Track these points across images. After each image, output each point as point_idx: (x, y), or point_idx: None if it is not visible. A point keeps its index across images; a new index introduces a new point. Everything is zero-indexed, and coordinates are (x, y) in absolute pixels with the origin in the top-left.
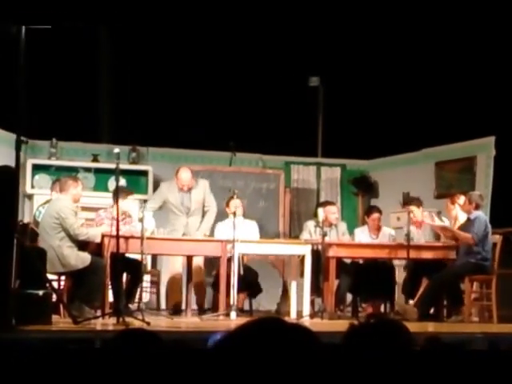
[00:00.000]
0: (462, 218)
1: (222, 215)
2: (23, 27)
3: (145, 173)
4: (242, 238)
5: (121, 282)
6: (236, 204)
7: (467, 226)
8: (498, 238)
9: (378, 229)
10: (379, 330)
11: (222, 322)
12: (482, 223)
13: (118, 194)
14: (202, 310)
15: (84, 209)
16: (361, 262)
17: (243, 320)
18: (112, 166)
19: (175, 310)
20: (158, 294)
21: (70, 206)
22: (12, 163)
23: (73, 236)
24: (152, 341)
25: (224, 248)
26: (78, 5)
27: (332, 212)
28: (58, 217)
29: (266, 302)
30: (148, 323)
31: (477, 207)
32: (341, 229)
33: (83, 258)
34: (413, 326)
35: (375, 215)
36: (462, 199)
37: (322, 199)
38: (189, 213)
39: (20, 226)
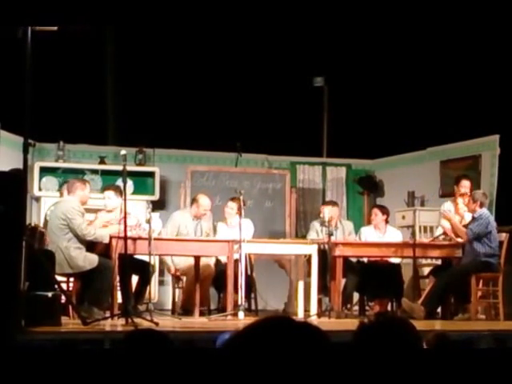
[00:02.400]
0: (467, 216)
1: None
2: (29, 30)
3: (152, 174)
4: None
5: (129, 283)
6: (233, 206)
7: (470, 223)
8: (504, 236)
9: (383, 226)
10: (388, 328)
11: (230, 321)
12: (484, 221)
13: (125, 195)
14: (208, 310)
15: (91, 211)
16: (365, 260)
17: (251, 320)
18: (119, 167)
19: (186, 310)
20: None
21: (76, 207)
22: (20, 166)
23: (80, 236)
24: (161, 341)
25: (231, 248)
26: (84, 7)
27: (326, 212)
28: (64, 218)
29: (273, 302)
30: (156, 324)
31: (481, 205)
32: (347, 228)
33: (91, 260)
34: (420, 324)
35: (372, 210)
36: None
37: (327, 199)
38: None
39: (29, 228)
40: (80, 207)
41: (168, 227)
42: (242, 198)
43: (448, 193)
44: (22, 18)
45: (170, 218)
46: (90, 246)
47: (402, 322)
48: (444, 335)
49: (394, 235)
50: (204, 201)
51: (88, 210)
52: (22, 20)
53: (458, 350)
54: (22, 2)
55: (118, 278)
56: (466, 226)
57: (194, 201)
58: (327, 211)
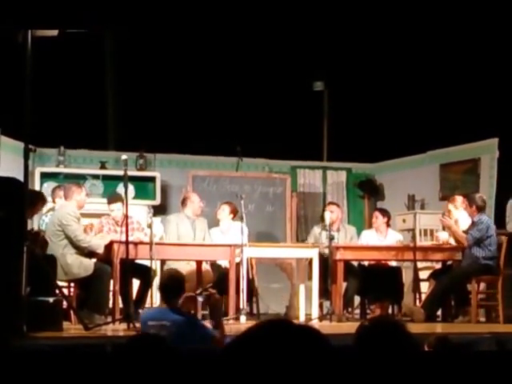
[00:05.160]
0: (462, 220)
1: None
2: (29, 35)
3: (152, 179)
4: (233, 241)
5: (130, 288)
6: (224, 208)
7: (470, 228)
8: (503, 239)
9: (384, 229)
10: (384, 330)
11: (231, 326)
12: (484, 226)
13: (127, 200)
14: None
15: (93, 216)
16: (366, 264)
17: (253, 323)
18: (120, 172)
19: None
20: None
21: (72, 212)
22: (20, 171)
23: (75, 242)
24: (163, 346)
25: (233, 252)
26: (85, 11)
27: (330, 211)
28: (60, 223)
29: (275, 306)
30: None
31: (478, 209)
32: (350, 233)
33: (86, 266)
34: (420, 327)
35: (373, 213)
36: (459, 201)
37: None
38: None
39: (31, 234)
40: (76, 213)
41: (168, 231)
42: (242, 202)
43: (448, 196)
44: (21, 20)
45: (167, 222)
46: (91, 251)
47: (397, 325)
48: (445, 338)
49: (395, 238)
50: (195, 197)
51: (89, 215)
52: (21, 23)
53: (459, 353)
54: (22, 5)
55: (119, 283)
56: (465, 232)
57: (186, 201)
58: (329, 214)
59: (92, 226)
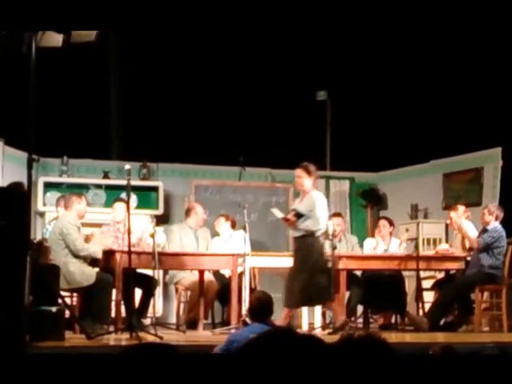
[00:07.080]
0: (466, 228)
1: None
2: (34, 45)
3: (155, 188)
4: (235, 250)
5: (133, 297)
6: (221, 222)
7: (481, 233)
8: (508, 248)
9: (387, 238)
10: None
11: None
12: (498, 234)
13: (129, 209)
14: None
15: (95, 225)
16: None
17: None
18: (123, 182)
19: (191, 323)
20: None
21: (73, 222)
22: (24, 181)
23: (74, 252)
24: (167, 354)
25: (235, 262)
26: (87, 18)
27: (336, 224)
28: (61, 233)
29: (277, 315)
30: (161, 338)
31: (497, 218)
32: (351, 242)
33: (88, 276)
34: (424, 337)
35: (380, 222)
36: (461, 210)
37: (331, 212)
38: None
39: (34, 243)
40: (76, 222)
41: (172, 241)
42: (245, 211)
43: (451, 205)
44: (26, 23)
45: (170, 232)
46: (94, 260)
47: (374, 339)
48: (450, 347)
49: (397, 245)
50: (200, 209)
51: (91, 225)
52: (27, 26)
53: (463, 361)
54: (26, 8)
55: (121, 293)
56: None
57: (190, 212)
58: (332, 224)
59: (92, 235)
